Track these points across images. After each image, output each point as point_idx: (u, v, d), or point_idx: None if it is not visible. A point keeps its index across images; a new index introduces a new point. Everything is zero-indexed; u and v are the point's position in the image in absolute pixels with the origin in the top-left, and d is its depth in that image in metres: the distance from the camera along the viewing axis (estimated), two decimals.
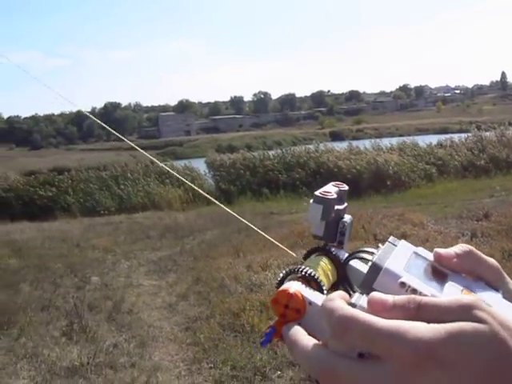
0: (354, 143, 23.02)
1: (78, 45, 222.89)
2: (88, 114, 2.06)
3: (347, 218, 0.77)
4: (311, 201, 0.73)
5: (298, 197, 16.78)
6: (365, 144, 22.02)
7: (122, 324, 6.22)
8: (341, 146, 22.26)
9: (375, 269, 0.54)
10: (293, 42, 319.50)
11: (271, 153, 21.94)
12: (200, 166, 21.82)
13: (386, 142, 22.22)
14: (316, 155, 19.92)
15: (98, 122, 1.45)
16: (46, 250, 10.34)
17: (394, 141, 22.78)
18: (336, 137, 67.42)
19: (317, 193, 0.73)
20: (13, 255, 9.71)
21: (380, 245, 0.61)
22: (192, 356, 5.26)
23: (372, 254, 0.65)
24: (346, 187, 0.80)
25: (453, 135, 23.94)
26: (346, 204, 0.79)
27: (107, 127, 1.34)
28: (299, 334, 0.53)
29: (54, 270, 8.66)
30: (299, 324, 0.55)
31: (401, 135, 42.45)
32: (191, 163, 21.91)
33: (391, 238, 0.61)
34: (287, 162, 19.69)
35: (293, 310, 0.55)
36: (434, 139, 22.91)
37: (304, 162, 19.37)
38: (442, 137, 23.53)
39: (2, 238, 11.51)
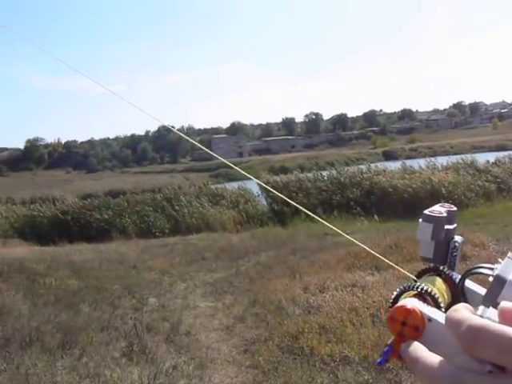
0: (408, 162, 22.67)
1: (132, 70, 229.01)
2: (179, 132, 2.08)
3: (458, 238, 0.73)
4: (420, 220, 0.70)
5: (352, 217, 16.62)
6: (419, 163, 21.67)
7: (181, 345, 6.23)
8: (394, 166, 22.00)
9: (499, 282, 0.52)
10: (343, 62, 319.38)
11: (324, 173, 21.83)
12: (253, 187, 21.89)
13: (440, 161, 21.82)
14: (369, 175, 19.72)
15: (187, 138, 1.46)
16: (103, 271, 10.51)
17: (449, 159, 22.32)
18: (389, 156, 66.75)
19: (426, 211, 0.70)
20: (72, 276, 9.89)
21: (500, 259, 0.59)
22: (252, 379, 5.20)
23: (491, 269, 0.61)
24: (454, 208, 0.76)
25: (511, 152, 23.29)
26: (455, 225, 0.75)
27: (197, 144, 1.34)
28: (421, 351, 0.49)
29: (112, 291, 8.78)
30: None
31: (456, 153, 41.59)
32: (245, 185, 22.04)
33: (510, 254, 0.60)
34: (340, 183, 19.54)
35: (411, 328, 0.53)
36: (491, 157, 22.36)
37: (357, 182, 19.18)
38: (500, 154, 22.95)
39: (61, 259, 11.76)
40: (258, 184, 22.20)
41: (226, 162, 1.36)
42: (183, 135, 1.50)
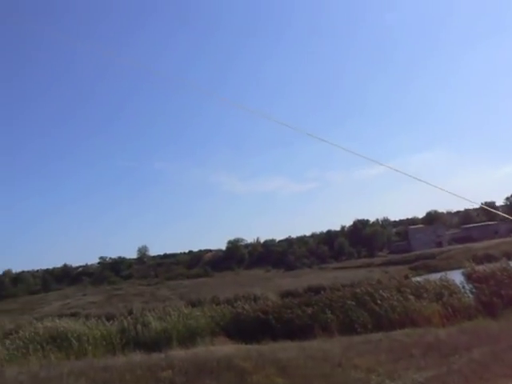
0: None
1: (323, 169, 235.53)
2: None
3: None
4: None
5: None
6: None
7: None
8: None
9: None
10: None
11: None
12: (456, 278, 20.74)
13: None
14: None
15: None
16: (309, 369, 10.48)
17: None
18: None
19: None
20: (279, 374, 10.00)
21: None
22: None
23: None
24: None
25: None
26: None
27: None
28: None
29: None
30: None
31: None
32: (447, 276, 20.96)
33: None
34: None
35: None
36: None
37: None
38: None
39: (267, 357, 11.97)
40: (462, 274, 20.98)
41: None
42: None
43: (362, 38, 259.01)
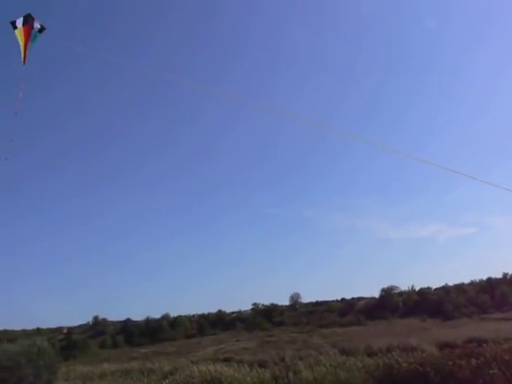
0: None
1: (481, 212, 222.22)
2: None
3: None
4: None
5: None
6: None
7: None
8: None
9: None
10: None
11: None
12: None
13: None
14: None
15: None
16: None
17: None
18: None
19: None
20: None
21: None
22: None
23: None
24: None
25: None
26: None
27: None
28: None
29: None
30: None
31: None
32: None
33: None
34: None
35: None
36: None
37: None
38: None
39: None
40: None
41: None
42: None
43: None
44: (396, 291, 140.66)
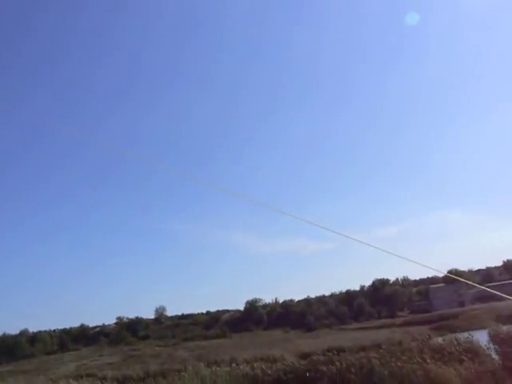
0: None
1: (341, 228, 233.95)
2: None
3: None
4: None
5: None
6: None
7: None
8: None
9: None
10: None
11: None
12: (482, 337, 20.22)
13: None
14: None
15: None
16: None
17: None
18: None
19: None
20: None
21: None
22: None
23: None
24: None
25: None
26: None
27: None
28: None
29: None
30: None
31: None
32: (472, 336, 20.42)
33: None
34: None
35: None
36: None
37: None
38: None
39: None
40: (488, 335, 20.42)
41: None
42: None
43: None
44: (260, 304, 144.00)
